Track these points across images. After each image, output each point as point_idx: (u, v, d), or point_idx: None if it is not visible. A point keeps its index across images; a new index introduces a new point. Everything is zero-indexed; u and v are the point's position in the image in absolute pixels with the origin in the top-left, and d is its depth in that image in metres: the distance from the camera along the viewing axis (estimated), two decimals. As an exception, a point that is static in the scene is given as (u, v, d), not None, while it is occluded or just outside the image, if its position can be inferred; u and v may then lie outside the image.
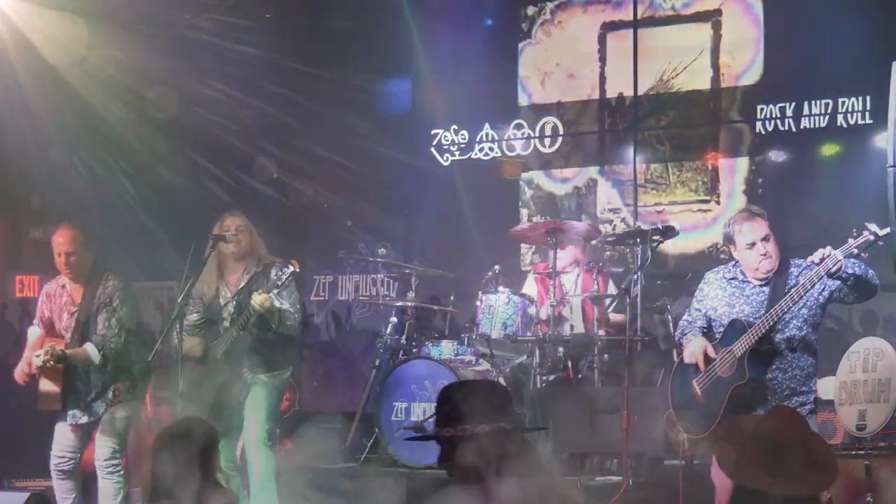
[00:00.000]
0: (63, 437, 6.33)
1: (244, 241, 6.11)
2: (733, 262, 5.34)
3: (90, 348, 6.19)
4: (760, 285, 5.19)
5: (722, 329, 5.22)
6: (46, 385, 6.28)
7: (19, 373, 6.36)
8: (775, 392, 5.12)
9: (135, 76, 8.74)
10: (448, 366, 6.88)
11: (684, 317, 5.46)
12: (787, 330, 5.13)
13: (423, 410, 6.84)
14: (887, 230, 5.00)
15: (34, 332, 6.51)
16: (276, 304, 5.92)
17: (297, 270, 5.99)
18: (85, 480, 6.46)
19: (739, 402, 5.05)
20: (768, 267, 5.13)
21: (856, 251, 4.92)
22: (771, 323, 5.04)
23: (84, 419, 6.30)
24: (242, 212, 6.34)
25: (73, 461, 6.33)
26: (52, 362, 6.09)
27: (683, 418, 5.32)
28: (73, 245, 6.31)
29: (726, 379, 5.09)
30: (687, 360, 5.23)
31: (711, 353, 5.13)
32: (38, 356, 6.15)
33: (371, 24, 9.50)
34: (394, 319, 7.45)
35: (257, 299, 5.84)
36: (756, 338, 5.03)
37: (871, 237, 4.93)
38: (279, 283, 5.86)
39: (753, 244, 5.11)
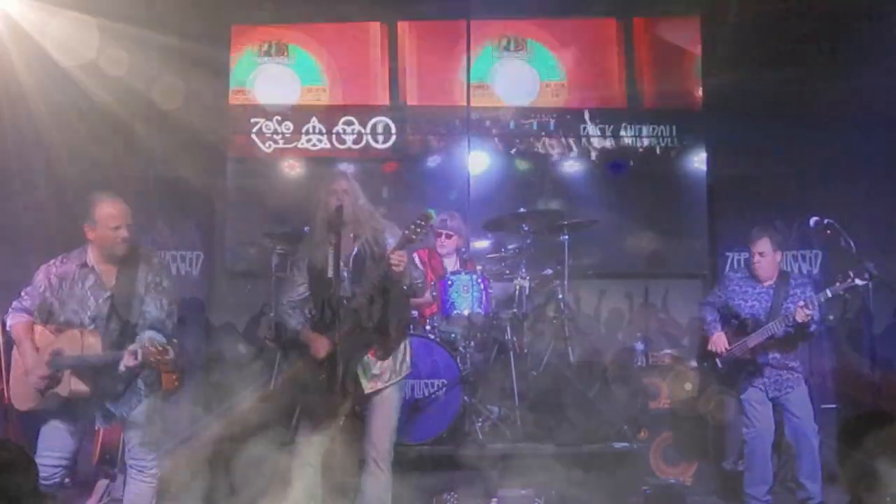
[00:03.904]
0: (64, 444, 5.56)
1: (347, 205, 5.66)
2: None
3: (157, 336, 5.47)
4: (765, 287, 6.85)
5: (737, 317, 6.87)
6: (77, 385, 5.51)
7: (35, 378, 5.52)
8: (774, 366, 6.87)
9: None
10: (435, 342, 7.19)
11: (707, 309, 7.03)
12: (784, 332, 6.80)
13: (410, 387, 7.02)
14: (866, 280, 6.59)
15: (25, 319, 5.64)
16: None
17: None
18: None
19: (745, 375, 6.85)
20: (764, 276, 6.87)
21: (841, 292, 6.65)
22: (769, 333, 6.75)
23: (115, 419, 5.66)
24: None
25: (65, 471, 5.66)
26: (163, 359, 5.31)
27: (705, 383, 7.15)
28: (127, 218, 5.60)
29: (742, 361, 6.85)
30: (710, 347, 6.93)
31: (726, 345, 6.87)
32: (139, 352, 5.31)
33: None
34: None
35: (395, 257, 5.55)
36: (764, 337, 6.76)
37: (857, 282, 6.55)
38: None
39: (753, 255, 6.88)
